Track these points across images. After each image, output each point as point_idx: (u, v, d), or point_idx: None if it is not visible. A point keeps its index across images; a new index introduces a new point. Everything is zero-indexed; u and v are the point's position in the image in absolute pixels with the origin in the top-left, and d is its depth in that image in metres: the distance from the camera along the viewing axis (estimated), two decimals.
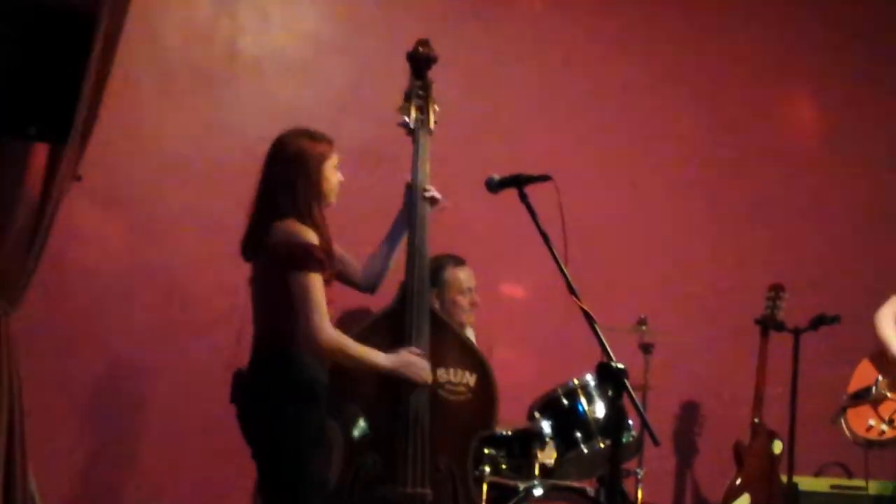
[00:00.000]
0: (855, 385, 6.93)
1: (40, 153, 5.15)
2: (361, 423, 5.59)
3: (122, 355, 6.87)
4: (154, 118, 7.04)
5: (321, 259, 5.33)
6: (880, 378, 6.78)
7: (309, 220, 5.40)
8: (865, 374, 6.91)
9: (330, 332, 5.30)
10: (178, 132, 7.07)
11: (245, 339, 5.54)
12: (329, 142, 5.57)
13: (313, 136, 5.55)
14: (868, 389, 6.82)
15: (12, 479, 4.92)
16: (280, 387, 5.37)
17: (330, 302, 5.43)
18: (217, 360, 5.97)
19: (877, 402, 6.78)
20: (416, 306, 5.60)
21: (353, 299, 6.09)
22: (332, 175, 5.55)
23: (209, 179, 6.86)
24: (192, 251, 6.82)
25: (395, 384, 5.51)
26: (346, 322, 5.85)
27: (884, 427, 6.72)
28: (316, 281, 5.29)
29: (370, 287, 5.86)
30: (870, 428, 6.76)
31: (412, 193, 5.71)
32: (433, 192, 5.74)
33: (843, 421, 6.92)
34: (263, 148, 5.53)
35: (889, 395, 6.76)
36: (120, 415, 6.90)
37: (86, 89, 5.03)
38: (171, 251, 6.91)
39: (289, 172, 5.48)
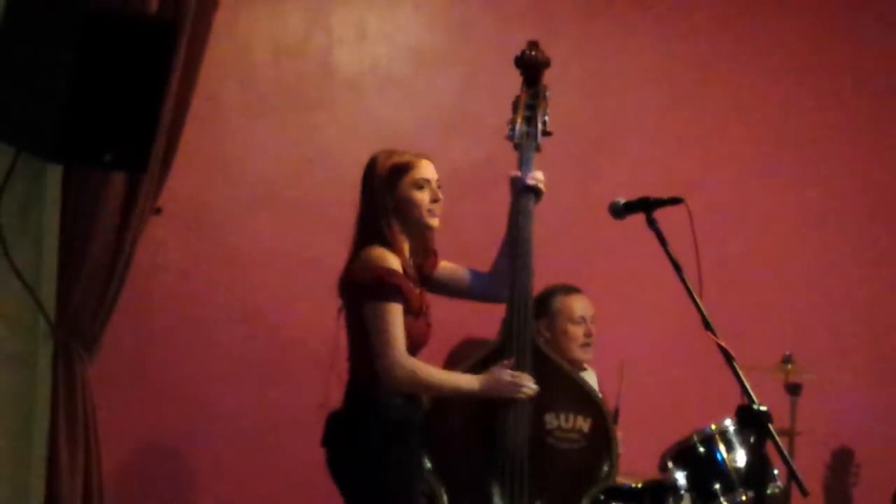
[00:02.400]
0: None
1: (117, 183, 5.16)
2: (459, 472, 5.59)
3: (203, 395, 6.87)
4: (241, 142, 7.00)
5: (398, 285, 5.30)
6: None
7: (390, 246, 5.39)
8: None
9: (403, 364, 5.28)
10: (268, 158, 7.03)
11: (335, 382, 5.55)
12: (407, 155, 5.53)
13: (390, 153, 5.54)
14: None
15: None
16: (367, 431, 5.38)
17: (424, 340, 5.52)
18: (303, 401, 5.94)
19: None
20: (517, 332, 5.56)
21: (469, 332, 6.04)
22: (413, 193, 5.46)
23: (301, 209, 6.83)
24: (281, 286, 6.80)
25: (493, 426, 5.50)
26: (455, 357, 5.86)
27: None
28: (391, 310, 5.28)
29: (493, 296, 5.78)
30: None
31: (517, 189, 5.67)
32: (538, 182, 5.67)
33: None
34: (361, 174, 5.54)
35: None
36: (199, 456, 6.89)
37: (165, 112, 5.04)
38: (258, 286, 6.89)
39: (364, 195, 5.50)
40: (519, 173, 5.68)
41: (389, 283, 5.28)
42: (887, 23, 8.32)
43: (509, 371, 5.47)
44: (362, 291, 5.33)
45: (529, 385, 5.46)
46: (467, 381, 5.48)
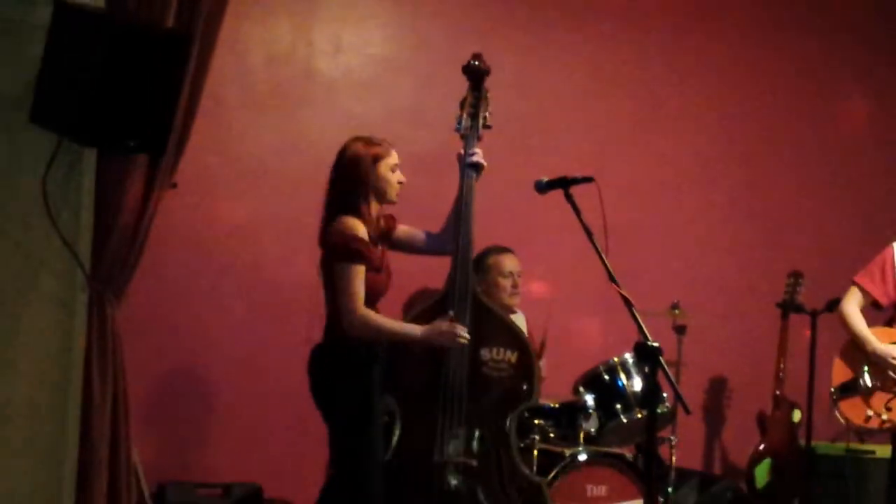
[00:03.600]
0: (838, 379, 6.77)
1: (141, 163, 5.14)
2: (410, 397, 5.58)
3: (214, 339, 6.90)
4: (239, 131, 7.03)
5: (363, 251, 5.35)
6: (865, 371, 6.61)
7: (361, 215, 5.43)
8: (845, 368, 6.75)
9: (362, 314, 5.33)
10: (261, 143, 7.06)
11: (318, 323, 5.57)
12: (383, 145, 5.57)
13: (368, 141, 5.57)
14: (855, 381, 6.66)
15: (117, 452, 4.92)
16: (339, 366, 5.43)
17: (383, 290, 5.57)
18: (295, 340, 5.92)
19: (867, 394, 6.63)
20: (459, 284, 5.58)
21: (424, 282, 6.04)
22: (389, 174, 5.53)
23: (288, 184, 6.81)
24: (273, 248, 6.80)
25: (439, 360, 5.52)
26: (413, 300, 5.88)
27: (884, 416, 6.57)
28: (354, 270, 5.33)
29: (441, 251, 5.78)
30: (869, 418, 6.60)
31: (462, 166, 5.69)
32: (478, 158, 5.70)
33: (838, 413, 6.79)
34: (335, 157, 5.57)
35: (878, 384, 6.61)
36: (211, 391, 6.93)
37: (180, 106, 5.01)
38: (255, 248, 6.93)
39: (344, 173, 5.52)
40: (466, 159, 5.69)
41: (355, 248, 5.33)
42: None
43: (448, 322, 5.48)
44: (334, 253, 5.39)
45: (464, 335, 5.46)
46: (413, 329, 5.49)
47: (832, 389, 6.73)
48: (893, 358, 6.43)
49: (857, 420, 6.62)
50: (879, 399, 6.53)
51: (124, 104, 4.75)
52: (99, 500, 4.88)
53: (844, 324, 6.65)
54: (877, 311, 6.71)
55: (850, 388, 6.66)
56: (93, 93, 4.71)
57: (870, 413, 6.56)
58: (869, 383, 6.57)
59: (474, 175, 5.70)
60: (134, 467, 5.45)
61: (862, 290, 6.62)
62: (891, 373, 6.45)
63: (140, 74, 4.75)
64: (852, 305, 6.62)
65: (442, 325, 5.48)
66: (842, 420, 6.72)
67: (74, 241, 4.93)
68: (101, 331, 4.93)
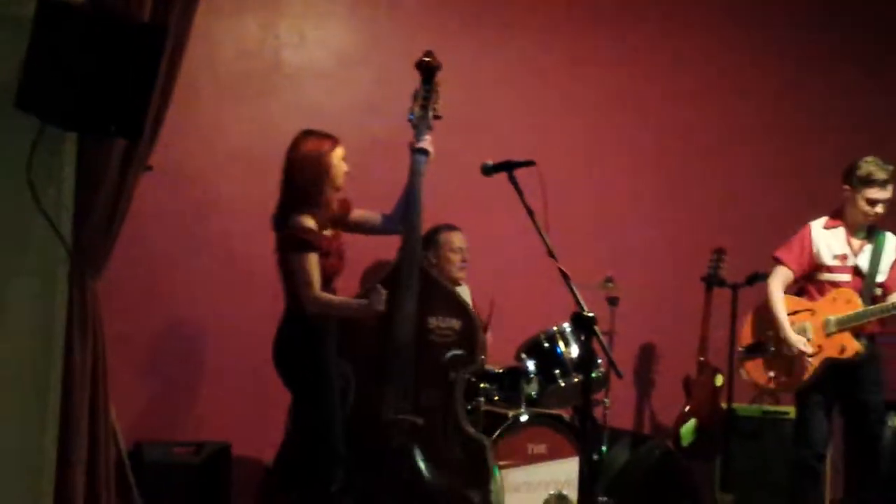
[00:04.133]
0: (746, 340, 6.80)
1: (118, 147, 5.05)
2: (363, 363, 5.61)
3: (188, 309, 6.86)
4: (211, 118, 6.97)
5: (313, 241, 5.44)
6: (770, 334, 6.64)
7: (312, 207, 5.53)
8: (754, 331, 6.78)
9: (316, 296, 5.42)
10: (231, 129, 7.00)
11: (281, 294, 5.62)
12: (333, 138, 5.63)
13: (318, 135, 5.64)
14: (761, 345, 6.69)
15: (96, 414, 4.85)
16: (298, 340, 5.54)
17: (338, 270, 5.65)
18: (262, 312, 5.88)
19: (770, 357, 6.66)
20: (408, 260, 5.66)
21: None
22: (340, 164, 5.61)
23: (256, 167, 6.69)
24: (244, 226, 6.71)
25: (389, 328, 5.57)
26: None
27: (782, 379, 6.61)
28: (306, 259, 5.42)
29: (394, 231, 5.83)
30: (769, 379, 6.65)
31: (413, 152, 5.76)
32: (425, 145, 5.76)
33: (742, 371, 6.83)
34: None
35: (779, 348, 6.63)
36: (186, 358, 6.90)
37: (155, 94, 4.92)
38: (227, 225, 6.88)
39: (301, 167, 5.58)
40: (416, 146, 5.75)
41: (307, 239, 5.44)
42: None
43: (376, 292, 5.49)
44: (289, 244, 5.50)
45: (380, 305, 5.45)
46: (357, 304, 5.52)
47: (740, 349, 6.83)
48: (798, 349, 6.46)
49: (759, 379, 6.74)
50: (779, 363, 6.59)
51: (103, 92, 4.67)
52: (80, 457, 4.79)
53: (768, 301, 6.66)
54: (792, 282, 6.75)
55: (755, 350, 6.72)
56: (74, 81, 4.64)
57: (770, 374, 6.64)
58: (772, 349, 6.63)
59: (423, 160, 5.73)
60: (112, 428, 5.39)
61: (782, 263, 6.62)
62: (799, 346, 6.49)
63: (118, 65, 4.68)
64: (776, 283, 6.62)
65: (375, 295, 5.48)
66: (745, 377, 6.81)
67: (57, 219, 4.83)
68: (82, 301, 4.86)
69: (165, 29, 4.83)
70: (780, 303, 6.55)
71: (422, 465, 5.57)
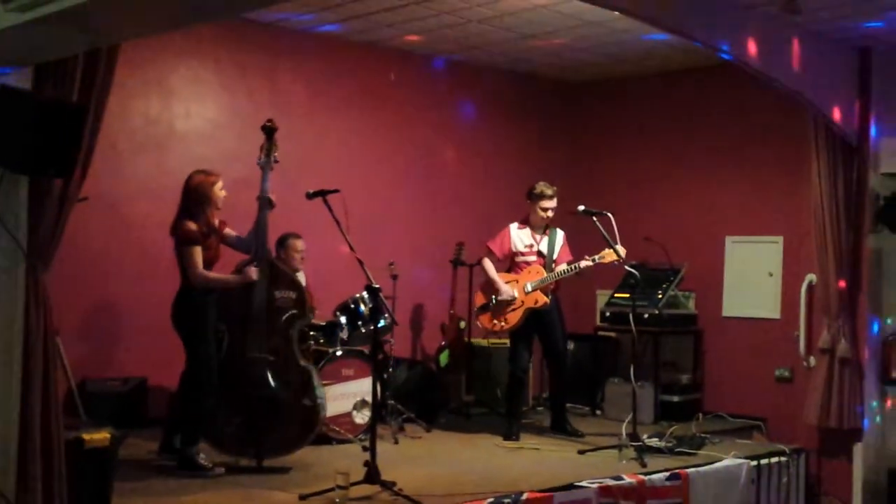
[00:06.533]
0: (478, 302, 6.86)
1: (57, 184, 4.70)
2: (233, 320, 5.48)
3: (115, 287, 6.63)
4: (127, 164, 6.69)
5: (197, 238, 5.32)
6: (493, 298, 6.70)
7: (198, 219, 5.39)
8: (482, 296, 6.84)
9: (200, 273, 5.31)
10: (141, 172, 6.75)
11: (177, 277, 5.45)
12: (215, 174, 5.50)
13: (205, 172, 5.50)
14: (487, 305, 6.75)
15: (48, 362, 4.54)
16: (188, 304, 5.40)
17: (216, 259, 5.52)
18: (165, 288, 5.56)
19: (493, 311, 6.73)
20: (259, 257, 5.51)
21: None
22: (218, 193, 5.47)
23: (159, 196, 6.41)
24: (151, 232, 6.38)
25: (250, 298, 5.44)
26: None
27: (502, 324, 6.70)
28: (193, 250, 5.31)
29: (247, 250, 5.59)
30: (494, 324, 6.74)
31: (260, 202, 5.55)
32: (271, 198, 5.55)
33: (478, 323, 6.93)
34: (186, 182, 5.51)
35: (499, 303, 6.70)
36: (115, 320, 6.66)
37: (83, 147, 4.61)
38: (139, 232, 6.64)
39: (192, 194, 5.44)
40: (261, 191, 5.55)
41: (193, 237, 5.32)
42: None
43: (248, 269, 5.43)
44: (182, 240, 5.37)
45: (255, 275, 5.41)
46: (234, 278, 5.43)
47: (475, 308, 6.89)
48: (509, 294, 6.61)
49: (487, 325, 6.83)
50: (499, 315, 6.71)
51: (45, 148, 4.40)
52: (37, 390, 4.49)
53: (484, 271, 6.77)
54: (498, 262, 6.84)
55: (484, 308, 6.79)
56: (25, 141, 4.36)
57: (494, 322, 6.73)
58: (494, 306, 6.71)
59: (268, 207, 5.53)
60: (64, 369, 5.13)
61: (491, 250, 6.78)
62: (506, 301, 6.60)
63: (55, 129, 4.40)
64: (488, 262, 6.79)
65: (247, 271, 5.43)
66: (479, 325, 6.95)
67: (16, 232, 4.52)
68: (35, 287, 4.53)
69: (86, 107, 4.57)
70: (493, 271, 6.75)
71: (273, 384, 5.45)
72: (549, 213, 6.64)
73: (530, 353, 6.82)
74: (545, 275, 6.59)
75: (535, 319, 6.64)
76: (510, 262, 6.79)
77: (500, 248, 6.74)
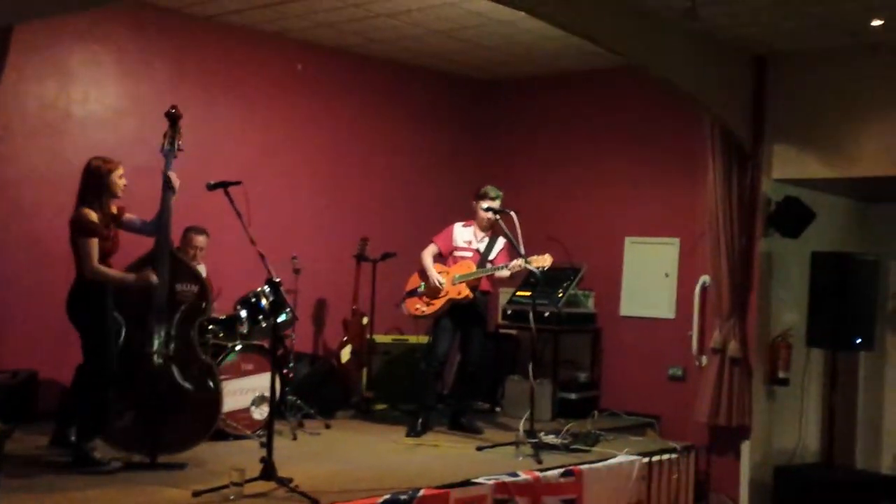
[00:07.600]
0: (408, 286, 6.95)
1: None
2: (131, 314, 5.37)
3: (4, 276, 6.43)
4: (23, 150, 6.52)
5: (95, 229, 5.16)
6: (423, 284, 6.82)
7: (96, 207, 5.23)
8: (413, 282, 6.94)
9: (94, 268, 5.16)
10: (36, 157, 6.56)
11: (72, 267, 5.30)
12: (115, 162, 5.35)
13: (105, 159, 5.35)
14: (416, 290, 6.86)
15: None
16: (84, 298, 5.26)
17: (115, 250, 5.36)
18: (58, 277, 5.47)
19: (420, 296, 6.85)
20: (161, 248, 5.43)
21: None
22: (117, 180, 5.33)
23: (53, 183, 6.36)
24: (46, 220, 6.32)
25: (150, 290, 5.35)
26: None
27: (424, 309, 6.82)
28: (88, 241, 5.15)
29: (150, 234, 5.50)
30: (417, 308, 6.85)
31: (163, 186, 5.47)
32: (174, 181, 5.48)
33: (403, 306, 6.98)
34: (85, 168, 5.34)
35: (426, 293, 6.83)
36: (4, 311, 6.45)
37: None
38: (33, 220, 6.48)
39: (90, 180, 5.29)
40: (166, 173, 5.48)
41: (90, 228, 5.17)
42: None
43: (148, 272, 5.33)
44: (77, 231, 5.20)
45: (155, 279, 5.32)
46: (127, 276, 5.32)
47: (405, 292, 6.97)
48: (436, 281, 6.80)
49: (413, 311, 6.95)
50: (425, 300, 6.88)
51: None
52: None
53: (422, 260, 6.91)
54: (440, 258, 6.99)
55: (412, 293, 6.95)
56: None
57: (419, 306, 6.89)
58: (422, 291, 6.87)
59: (171, 195, 5.46)
60: None
61: (435, 243, 7.00)
62: (433, 288, 6.80)
63: None
64: (428, 253, 6.97)
65: (145, 273, 5.32)
66: (405, 310, 7.00)
67: None
68: None
69: None
70: (430, 261, 6.92)
71: (172, 379, 5.39)
72: (490, 214, 6.79)
73: (448, 348, 6.93)
74: (474, 270, 6.75)
75: (457, 313, 6.81)
76: (449, 256, 7.00)
77: (444, 243, 7.00)
